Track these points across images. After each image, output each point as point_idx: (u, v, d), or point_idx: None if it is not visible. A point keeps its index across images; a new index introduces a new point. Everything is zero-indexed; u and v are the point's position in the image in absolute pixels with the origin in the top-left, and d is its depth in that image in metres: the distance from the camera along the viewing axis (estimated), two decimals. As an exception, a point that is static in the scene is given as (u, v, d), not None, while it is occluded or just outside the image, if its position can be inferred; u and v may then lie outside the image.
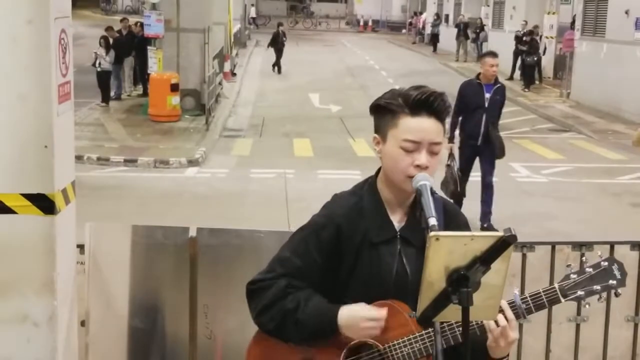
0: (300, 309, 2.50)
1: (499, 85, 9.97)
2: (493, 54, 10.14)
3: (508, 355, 2.50)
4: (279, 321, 2.53)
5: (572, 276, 2.50)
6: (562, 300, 2.48)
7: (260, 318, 2.57)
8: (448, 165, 9.70)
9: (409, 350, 2.42)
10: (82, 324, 3.96)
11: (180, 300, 3.99)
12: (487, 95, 9.78)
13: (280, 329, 2.54)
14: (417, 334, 2.41)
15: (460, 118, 9.89)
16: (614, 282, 2.49)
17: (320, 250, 2.54)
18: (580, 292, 2.48)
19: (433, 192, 2.50)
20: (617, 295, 2.53)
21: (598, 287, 2.48)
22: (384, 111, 2.52)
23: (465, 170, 9.95)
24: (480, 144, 9.84)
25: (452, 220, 2.58)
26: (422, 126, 2.45)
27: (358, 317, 2.42)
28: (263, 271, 2.62)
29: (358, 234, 2.52)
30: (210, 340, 4.01)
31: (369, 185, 2.61)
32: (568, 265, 2.54)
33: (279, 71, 28.83)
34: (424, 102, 2.45)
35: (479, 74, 10.00)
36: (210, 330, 4.00)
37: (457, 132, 9.96)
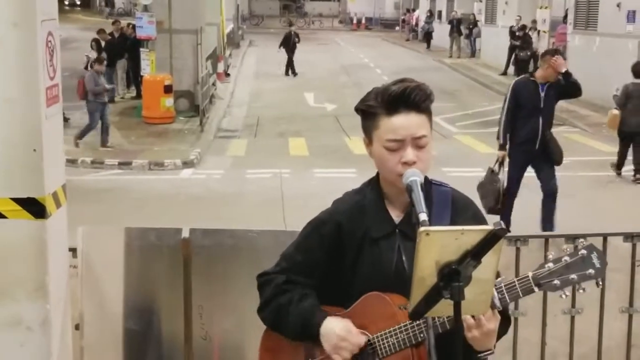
0: (292, 306, 2.56)
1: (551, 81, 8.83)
2: (557, 52, 9.12)
3: (494, 349, 2.48)
4: (274, 317, 2.60)
5: (548, 265, 2.40)
6: (536, 289, 2.40)
7: (261, 313, 2.66)
8: (492, 171, 9.01)
9: (395, 340, 2.44)
10: (77, 327, 3.95)
11: (174, 301, 3.98)
12: (543, 95, 8.83)
13: (275, 325, 2.62)
14: (401, 325, 2.43)
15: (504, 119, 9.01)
16: (592, 271, 2.38)
17: (321, 245, 2.59)
18: (555, 281, 2.39)
19: (439, 186, 2.56)
20: (598, 285, 2.41)
21: (574, 277, 2.38)
22: (366, 114, 2.53)
23: (518, 179, 9.19)
24: (537, 148, 8.96)
25: (460, 213, 2.56)
26: (401, 123, 2.44)
27: (336, 334, 2.46)
28: (273, 265, 2.70)
29: (359, 231, 2.55)
30: (206, 341, 4.00)
31: (372, 183, 2.64)
32: (548, 254, 2.48)
33: (294, 74, 27.85)
34: (399, 98, 2.43)
35: (533, 72, 9.19)
36: (205, 331, 4.00)
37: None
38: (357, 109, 2.57)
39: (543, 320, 4.14)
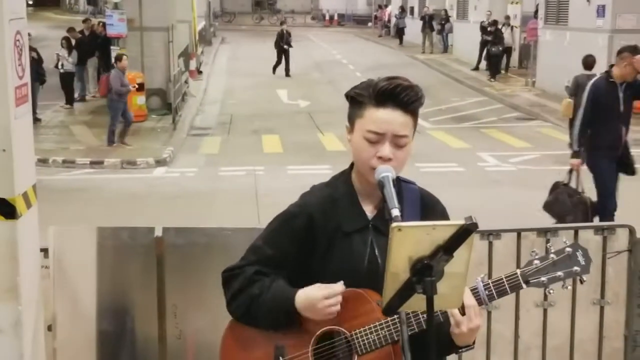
0: (264, 294, 2.53)
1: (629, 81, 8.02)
2: (637, 50, 8.07)
3: (474, 343, 2.51)
4: (246, 308, 2.56)
5: (535, 262, 2.48)
6: (524, 286, 2.47)
7: (230, 306, 2.62)
8: (565, 185, 8.26)
9: (375, 337, 2.43)
10: (49, 328, 3.91)
11: (148, 301, 3.96)
12: (621, 95, 7.98)
13: (248, 315, 2.57)
14: (382, 321, 2.42)
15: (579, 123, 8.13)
16: (578, 268, 2.47)
17: (292, 239, 2.56)
18: (543, 278, 2.46)
19: (407, 184, 2.55)
20: (581, 282, 2.50)
21: (561, 274, 2.46)
22: (354, 101, 2.53)
23: (613, 191, 8.29)
24: (618, 155, 8.06)
25: (430, 210, 2.59)
26: (385, 118, 2.44)
27: (314, 298, 2.43)
28: (239, 259, 2.65)
29: (331, 224, 2.54)
30: (180, 340, 3.99)
31: (344, 176, 2.63)
32: (533, 252, 2.53)
33: (287, 74, 26.73)
34: (390, 93, 2.44)
35: (609, 70, 8.20)
36: (179, 330, 3.98)
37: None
38: (347, 95, 2.57)
39: (516, 314, 4.17)
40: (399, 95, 2.44)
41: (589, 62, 13.68)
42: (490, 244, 4.10)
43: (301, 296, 2.47)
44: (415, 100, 2.46)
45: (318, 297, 2.43)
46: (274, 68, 27.19)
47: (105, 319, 3.98)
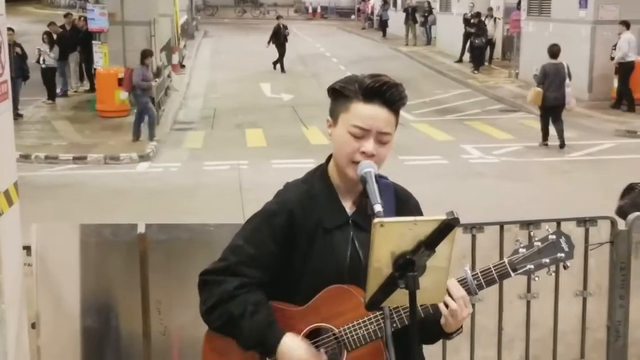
0: (246, 318, 2.46)
1: None
2: None
3: (461, 327, 2.52)
4: (222, 323, 2.51)
5: (521, 250, 2.52)
6: (512, 274, 2.50)
7: (207, 316, 2.55)
8: None
9: (364, 332, 2.43)
10: (33, 326, 3.90)
11: (132, 297, 3.95)
12: None
13: (224, 330, 2.52)
14: (371, 316, 2.42)
15: None
16: (562, 254, 2.52)
17: (273, 237, 2.53)
18: (529, 266, 2.51)
19: (380, 178, 2.52)
20: (565, 267, 2.55)
21: (547, 260, 2.51)
22: (339, 95, 2.52)
23: None
24: None
25: (404, 204, 2.59)
26: (372, 114, 2.45)
27: (299, 357, 2.42)
28: (217, 260, 2.59)
29: (311, 221, 2.52)
30: (165, 336, 3.98)
31: (320, 172, 2.61)
32: (517, 241, 2.56)
33: (282, 70, 26.33)
34: (377, 91, 2.45)
35: None
36: (164, 326, 3.97)
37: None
38: (331, 89, 2.56)
39: (500, 306, 4.20)
40: (386, 94, 2.45)
41: (554, 51, 14.37)
42: (474, 237, 4.12)
43: (286, 345, 2.43)
44: (400, 99, 2.48)
45: (303, 357, 2.41)
46: (275, 63, 26.54)
47: (89, 316, 3.97)
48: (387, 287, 2.15)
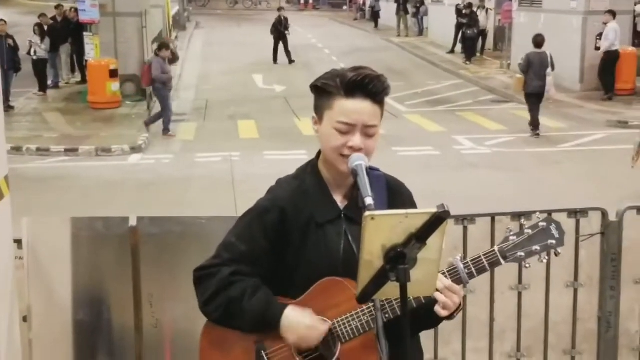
0: (246, 299, 2.49)
1: None
2: None
3: (460, 306, 2.51)
4: (223, 310, 2.52)
5: (512, 238, 2.51)
6: (503, 262, 2.50)
7: (206, 308, 2.57)
8: None
9: (357, 324, 2.44)
10: (25, 319, 3.89)
11: (124, 290, 3.94)
12: None
13: (225, 318, 2.54)
14: (364, 308, 2.43)
15: None
16: (553, 241, 2.52)
17: (265, 234, 2.54)
18: (520, 253, 2.50)
19: (372, 170, 2.53)
20: (556, 254, 2.55)
21: (537, 247, 2.50)
22: (322, 92, 2.52)
23: None
24: None
25: (396, 196, 2.60)
26: (356, 108, 2.45)
27: (303, 324, 2.45)
28: (210, 257, 2.61)
29: (303, 216, 2.53)
30: (157, 329, 3.98)
31: (311, 168, 2.62)
32: (507, 229, 2.56)
33: (290, 60, 25.77)
34: (359, 84, 2.45)
35: None
36: (156, 319, 3.97)
37: None
38: (313, 86, 2.56)
39: (491, 297, 4.21)
40: (368, 86, 2.45)
41: (538, 41, 14.79)
42: (465, 228, 4.13)
43: (289, 316, 2.46)
44: (382, 90, 2.48)
45: (307, 323, 2.45)
46: (275, 57, 26.12)
47: (81, 309, 3.96)
48: (379, 280, 2.16)
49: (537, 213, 2.62)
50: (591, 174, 11.90)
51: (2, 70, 15.68)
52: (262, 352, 2.51)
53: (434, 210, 2.07)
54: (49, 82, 20.14)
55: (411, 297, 2.37)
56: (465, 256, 3.99)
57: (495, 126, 16.03)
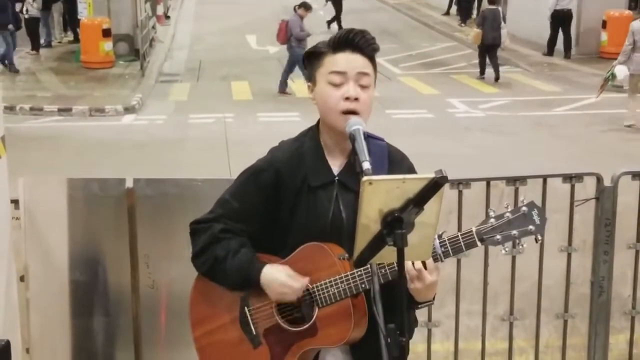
0: (229, 259, 2.57)
1: None
2: None
3: (433, 299, 2.55)
4: (209, 266, 2.62)
5: (491, 220, 2.48)
6: (479, 244, 2.47)
7: (195, 261, 2.68)
8: None
9: (334, 290, 2.48)
10: (22, 279, 3.91)
11: (120, 251, 3.96)
12: None
13: (210, 274, 2.64)
14: (342, 275, 2.47)
15: None
16: (533, 227, 2.46)
17: (259, 193, 2.59)
18: (497, 237, 2.46)
19: (375, 139, 2.56)
20: (537, 241, 2.50)
21: (515, 232, 2.46)
22: (312, 56, 2.59)
23: None
24: None
25: (397, 165, 2.61)
26: (346, 59, 2.51)
27: (278, 281, 2.51)
28: (206, 212, 2.69)
29: (297, 179, 2.57)
30: (153, 289, 4.00)
31: (311, 132, 2.65)
32: (490, 209, 2.52)
33: (340, 27, 23.03)
34: (345, 40, 2.51)
35: None
36: (152, 280, 3.99)
37: None
38: (305, 55, 2.64)
39: (485, 261, 4.23)
40: (354, 39, 2.51)
41: None
42: (460, 192, 4.14)
43: (267, 275, 2.53)
44: (369, 44, 2.52)
45: (281, 282, 2.50)
46: (330, 22, 24.02)
47: (77, 269, 3.98)
48: (375, 244, 2.17)
49: (522, 199, 2.55)
50: (586, 138, 11.91)
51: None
52: (246, 308, 2.60)
53: (432, 175, 2.07)
54: (42, 41, 19.96)
55: (387, 270, 2.41)
56: (459, 221, 4.05)
57: (490, 89, 16.00)
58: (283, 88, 15.28)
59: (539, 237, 2.49)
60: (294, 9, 15.78)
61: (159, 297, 4.01)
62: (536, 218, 2.47)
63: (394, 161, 2.62)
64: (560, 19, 18.44)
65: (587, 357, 4.47)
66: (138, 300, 3.97)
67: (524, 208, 2.48)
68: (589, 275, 4.37)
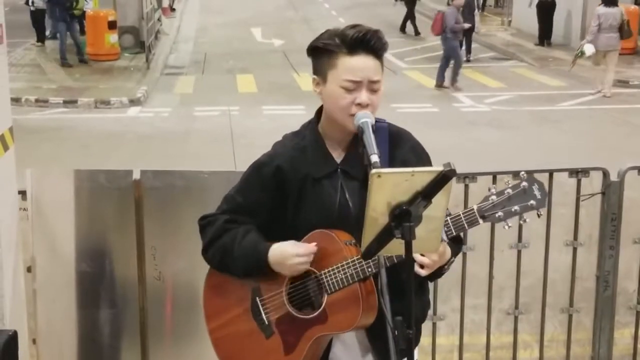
0: (236, 245, 2.60)
1: None
2: None
3: (447, 265, 2.55)
4: (219, 257, 2.65)
5: (492, 197, 2.46)
6: (480, 221, 2.46)
7: (205, 255, 2.70)
8: None
9: (342, 275, 2.49)
10: (29, 270, 3.93)
11: (127, 243, 3.97)
12: None
13: (222, 265, 2.66)
14: (349, 260, 2.48)
15: None
16: (534, 202, 2.43)
17: (262, 187, 2.62)
18: (499, 213, 2.44)
19: (376, 122, 2.54)
20: (538, 215, 2.46)
21: (517, 208, 2.43)
22: (322, 52, 2.54)
23: None
24: None
25: (398, 145, 2.62)
26: (361, 65, 2.48)
27: (286, 254, 2.52)
28: (216, 208, 2.73)
29: (300, 172, 2.58)
30: (160, 281, 4.01)
31: (311, 124, 2.67)
32: (490, 188, 2.49)
33: (417, 33, 22.37)
34: (361, 41, 2.48)
35: None
36: (159, 271, 4.00)
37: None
38: (313, 48, 2.57)
39: (490, 255, 4.24)
40: (370, 42, 2.48)
41: None
42: (467, 186, 4.14)
43: (275, 251, 2.54)
44: (382, 46, 2.51)
45: (290, 253, 2.50)
46: (413, 25, 22.67)
47: (84, 260, 3.99)
48: (383, 237, 2.18)
49: (522, 172, 2.53)
50: (591, 133, 11.89)
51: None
52: (257, 298, 2.62)
53: (440, 168, 2.08)
54: (47, 33, 19.97)
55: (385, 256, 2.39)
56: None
57: (495, 84, 15.97)
58: (441, 81, 15.22)
59: (541, 212, 2.46)
60: (447, 2, 15.82)
61: (165, 289, 4.02)
62: (537, 192, 2.44)
63: (394, 141, 2.61)
64: (545, 9, 19.61)
65: (591, 351, 4.48)
66: (144, 292, 3.99)
67: (524, 183, 2.45)
68: (594, 269, 4.37)
